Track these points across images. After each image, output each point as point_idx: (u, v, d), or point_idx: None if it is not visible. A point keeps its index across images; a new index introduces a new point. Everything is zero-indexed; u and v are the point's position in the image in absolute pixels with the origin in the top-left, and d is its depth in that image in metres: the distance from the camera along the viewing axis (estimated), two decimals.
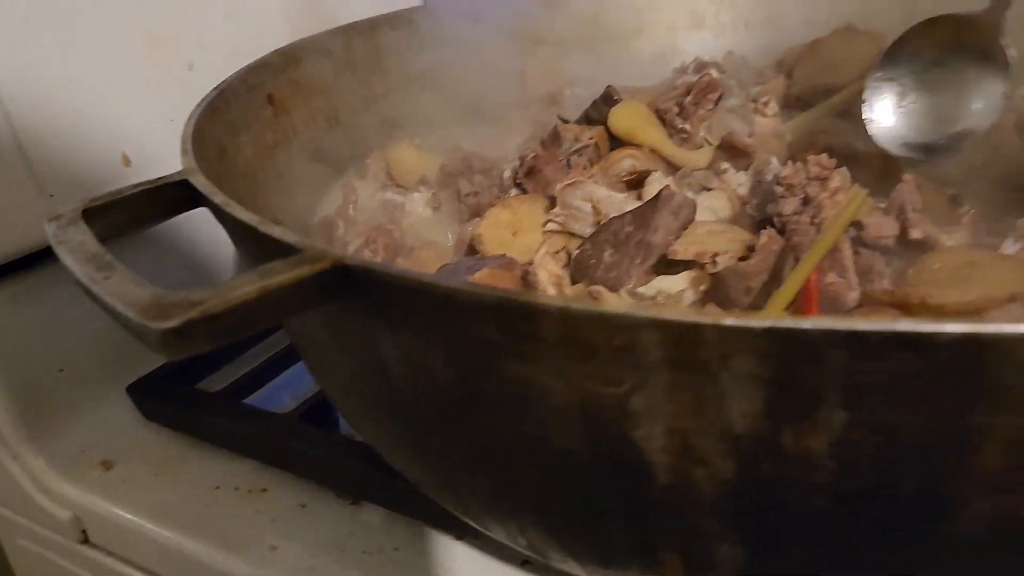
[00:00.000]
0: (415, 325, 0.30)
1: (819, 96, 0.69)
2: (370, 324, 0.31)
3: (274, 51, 0.63)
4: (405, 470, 0.40)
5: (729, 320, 0.23)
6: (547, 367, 0.27)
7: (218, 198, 0.35)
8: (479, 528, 0.40)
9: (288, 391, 0.67)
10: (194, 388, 0.66)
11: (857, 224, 0.41)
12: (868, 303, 0.39)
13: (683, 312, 0.23)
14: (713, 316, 0.23)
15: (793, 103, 0.72)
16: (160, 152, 0.66)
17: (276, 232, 0.31)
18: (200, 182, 0.37)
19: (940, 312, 0.34)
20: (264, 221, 0.33)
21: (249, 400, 0.64)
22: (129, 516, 0.60)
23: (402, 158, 0.66)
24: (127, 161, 0.63)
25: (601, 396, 0.27)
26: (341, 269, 0.29)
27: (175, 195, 0.39)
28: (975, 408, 0.23)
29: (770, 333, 0.23)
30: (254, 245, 0.34)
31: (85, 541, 0.64)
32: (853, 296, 0.39)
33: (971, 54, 0.54)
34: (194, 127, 0.46)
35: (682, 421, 0.26)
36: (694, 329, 0.23)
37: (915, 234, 0.41)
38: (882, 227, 0.41)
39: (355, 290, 0.29)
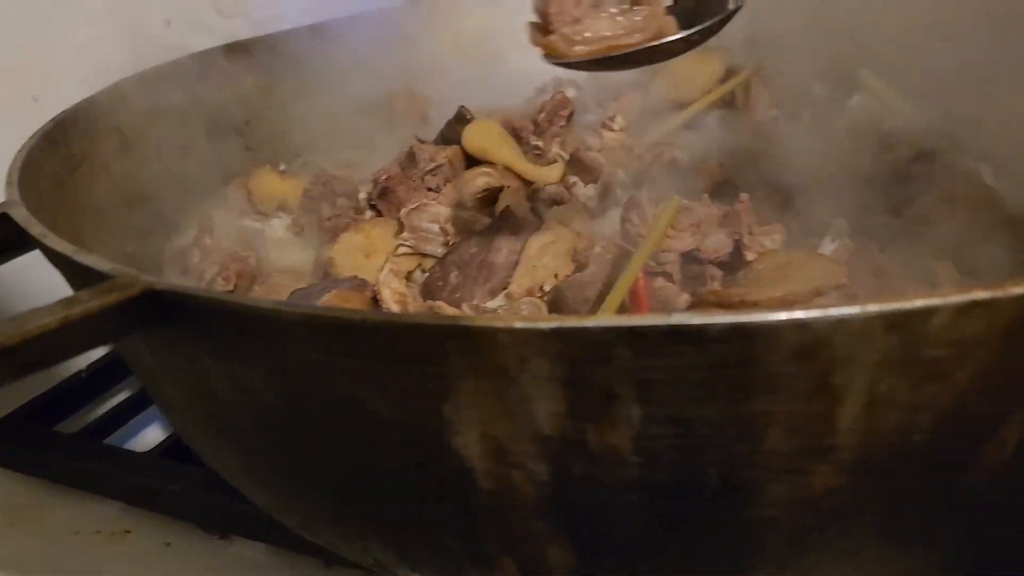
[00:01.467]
0: (233, 347, 0.29)
1: (671, 109, 0.72)
2: (192, 350, 0.31)
3: (123, 79, 0.62)
4: (252, 497, 0.40)
5: (518, 323, 0.24)
6: (364, 383, 0.27)
7: (36, 229, 0.35)
8: (330, 547, 0.40)
9: (152, 429, 0.65)
10: (51, 430, 0.63)
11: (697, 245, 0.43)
12: (698, 304, 0.40)
13: (475, 318, 0.24)
14: (504, 320, 0.24)
15: (650, 116, 0.74)
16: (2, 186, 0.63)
17: (88, 260, 0.31)
18: (19, 214, 0.36)
19: (755, 307, 0.36)
20: (79, 250, 0.32)
21: (110, 440, 0.62)
22: None
23: (263, 184, 0.65)
24: None
25: (418, 408, 0.27)
26: (152, 295, 0.28)
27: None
28: (752, 396, 0.24)
29: (558, 333, 0.24)
30: (72, 275, 0.33)
31: None
32: (683, 298, 0.40)
33: None
34: (24, 159, 0.44)
35: (493, 426, 0.27)
36: (488, 335, 0.24)
37: (748, 256, 0.43)
38: (719, 247, 0.43)
39: (172, 316, 0.29)
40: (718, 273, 0.43)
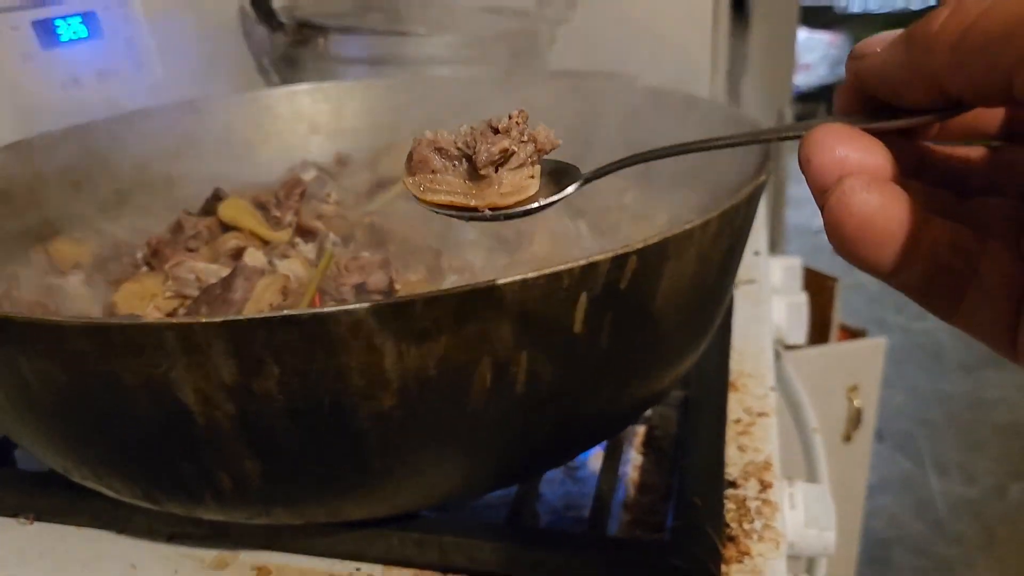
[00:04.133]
0: (40, 351, 0.49)
1: (394, 183, 0.96)
2: (13, 356, 0.50)
3: None
4: (56, 463, 0.58)
5: (205, 319, 0.45)
6: (119, 363, 0.48)
7: None
8: (114, 494, 0.58)
9: None
10: None
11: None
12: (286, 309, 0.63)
13: (180, 318, 0.45)
14: (198, 318, 0.45)
15: (376, 189, 0.98)
16: None
17: None
18: None
19: None
20: None
21: None
22: None
23: (59, 249, 0.83)
24: None
25: (154, 375, 0.48)
26: None
27: None
28: (335, 354, 0.47)
29: (226, 324, 0.45)
30: None
31: None
32: None
33: None
34: None
35: (200, 383, 0.48)
36: (188, 327, 0.45)
37: (396, 286, 0.66)
38: (378, 281, 0.66)
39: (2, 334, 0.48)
40: (379, 299, 0.66)
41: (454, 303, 0.47)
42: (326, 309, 0.45)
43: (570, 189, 0.50)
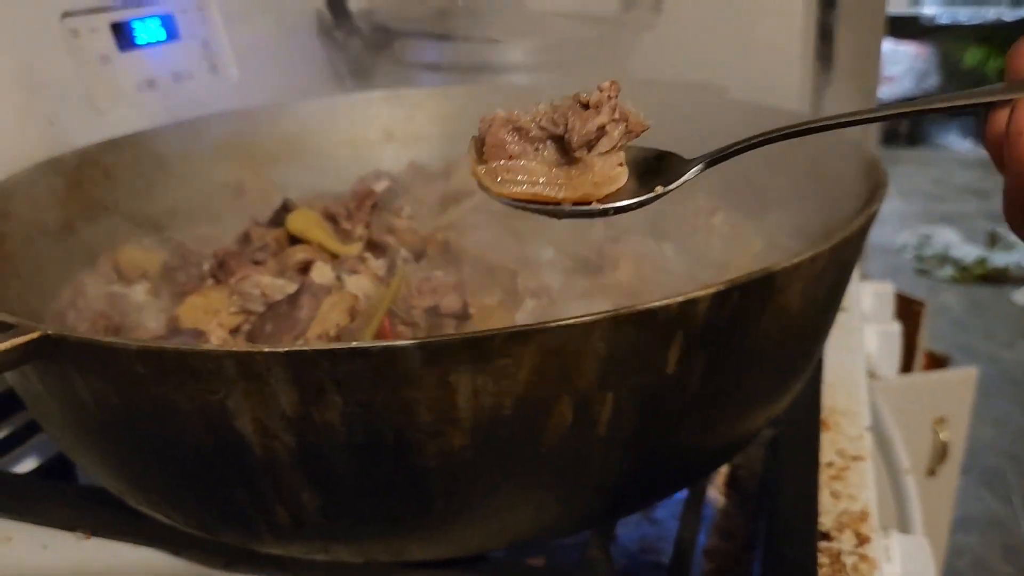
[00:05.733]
0: (96, 371, 0.46)
1: (464, 197, 0.92)
2: (69, 374, 0.47)
3: (12, 176, 0.77)
4: (111, 486, 0.56)
5: (267, 348, 0.42)
6: (174, 388, 0.45)
7: None
8: (169, 521, 0.56)
9: (32, 456, 0.78)
10: None
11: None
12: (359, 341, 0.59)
13: (241, 345, 0.42)
14: (258, 347, 0.42)
15: (449, 201, 0.94)
16: None
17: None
18: None
19: None
20: None
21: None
22: None
23: (128, 257, 0.81)
24: None
25: (210, 402, 0.45)
26: (45, 337, 0.45)
27: None
28: (404, 388, 0.43)
29: (287, 355, 0.42)
30: None
31: None
32: None
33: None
34: None
35: (258, 412, 0.45)
36: (248, 355, 0.42)
37: (471, 311, 0.62)
38: (451, 304, 0.62)
39: (58, 352, 0.46)
40: (452, 323, 0.62)
41: (538, 339, 0.43)
42: (398, 343, 0.42)
43: (692, 172, 0.44)
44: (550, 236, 0.77)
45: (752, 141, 0.45)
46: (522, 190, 0.41)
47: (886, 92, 5.77)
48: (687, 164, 0.44)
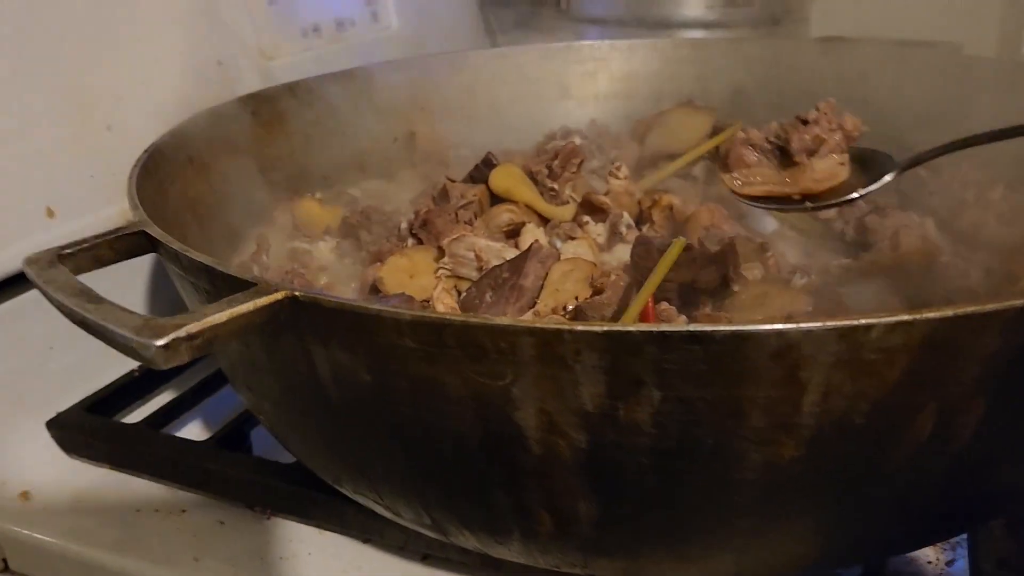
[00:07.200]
0: (345, 342, 0.38)
1: (665, 160, 0.82)
2: (307, 344, 0.40)
3: (191, 117, 0.71)
4: (325, 471, 0.49)
5: (579, 326, 0.33)
6: (447, 367, 0.37)
7: (175, 245, 0.44)
8: (391, 515, 0.48)
9: (203, 422, 0.73)
10: (112, 420, 0.71)
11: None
12: (693, 324, 0.50)
13: (546, 321, 0.33)
14: (568, 324, 0.33)
15: (646, 164, 0.85)
16: (81, 205, 0.72)
17: (232, 270, 0.40)
18: (157, 232, 0.45)
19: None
20: (219, 262, 0.41)
21: (166, 431, 0.70)
22: (50, 540, 0.64)
23: (307, 211, 0.74)
24: (51, 213, 0.69)
25: (489, 388, 0.36)
26: (292, 299, 0.37)
27: (131, 243, 0.47)
28: (741, 384, 0.34)
29: (607, 335, 0.33)
30: (208, 283, 0.42)
31: (5, 569, 0.67)
32: (682, 319, 0.50)
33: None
34: (136, 186, 0.53)
35: (549, 403, 0.36)
36: (555, 333, 0.34)
37: (734, 287, 0.53)
38: (709, 279, 0.53)
39: (303, 316, 0.38)
40: (708, 300, 0.52)
41: (928, 330, 0.33)
42: (751, 327, 0.32)
43: (887, 178, 0.54)
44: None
45: (948, 147, 0.54)
46: (759, 189, 0.56)
47: None
48: (891, 164, 0.55)
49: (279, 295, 0.37)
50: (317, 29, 1.00)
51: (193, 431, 0.73)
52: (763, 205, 0.57)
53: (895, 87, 0.83)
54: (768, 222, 0.70)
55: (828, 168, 0.55)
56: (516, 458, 0.39)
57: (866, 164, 0.56)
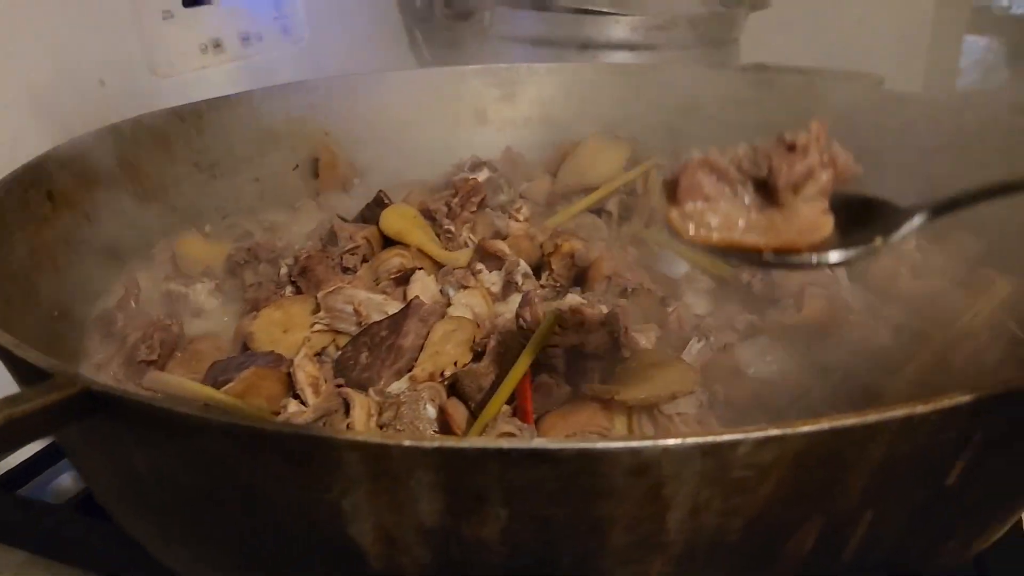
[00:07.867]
0: (156, 441, 0.33)
1: (577, 194, 0.78)
2: (120, 438, 0.35)
3: (54, 148, 0.64)
4: (161, 557, 0.43)
5: (407, 442, 0.29)
6: (268, 476, 0.32)
7: None
8: None
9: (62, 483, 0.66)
10: None
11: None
12: (580, 396, 0.46)
13: (371, 435, 0.29)
14: (395, 438, 0.29)
15: (557, 199, 0.80)
16: None
17: (30, 356, 0.34)
18: None
19: (623, 405, 0.42)
20: (20, 344, 0.36)
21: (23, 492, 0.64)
22: None
23: (188, 248, 0.69)
24: None
25: (318, 500, 0.32)
26: (88, 394, 0.32)
27: None
28: (598, 502, 0.30)
29: (439, 452, 0.29)
30: (10, 365, 0.37)
31: None
32: (563, 391, 0.46)
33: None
34: None
35: (385, 518, 0.32)
36: (382, 449, 0.29)
37: (624, 352, 0.48)
38: (598, 342, 0.48)
39: (105, 412, 0.33)
40: (597, 366, 0.48)
41: (803, 444, 0.29)
42: (602, 445, 0.28)
43: (916, 220, 0.38)
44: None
45: (994, 188, 0.38)
46: (718, 236, 0.38)
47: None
48: (903, 213, 0.39)
49: (73, 389, 0.32)
50: (219, 45, 0.94)
51: (53, 493, 0.66)
52: (726, 258, 0.42)
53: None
54: (679, 264, 0.66)
55: (812, 216, 0.39)
56: (356, 572, 0.34)
57: (846, 214, 0.40)
